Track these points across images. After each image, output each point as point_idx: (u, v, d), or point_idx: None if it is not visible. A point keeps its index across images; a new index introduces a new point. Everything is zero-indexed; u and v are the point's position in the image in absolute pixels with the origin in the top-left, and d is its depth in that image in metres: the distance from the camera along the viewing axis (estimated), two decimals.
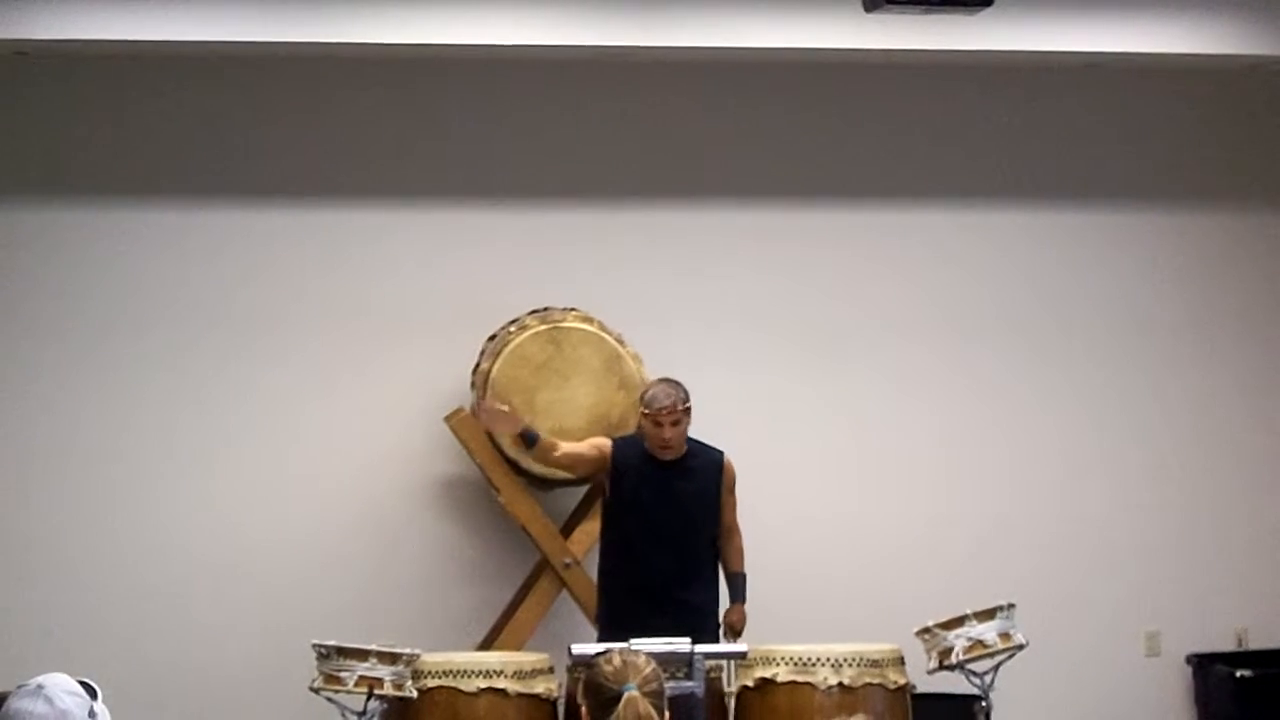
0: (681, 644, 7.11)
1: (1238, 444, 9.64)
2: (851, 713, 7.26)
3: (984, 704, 7.65)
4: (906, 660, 7.72)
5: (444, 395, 8.73)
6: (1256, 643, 9.53)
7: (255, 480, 8.84)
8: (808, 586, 9.04)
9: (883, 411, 9.34)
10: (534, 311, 8.64)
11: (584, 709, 4.12)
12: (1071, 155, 9.56)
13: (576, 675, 7.03)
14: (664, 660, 5.64)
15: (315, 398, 8.91)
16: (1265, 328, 9.68)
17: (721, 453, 7.91)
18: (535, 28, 8.48)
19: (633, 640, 6.74)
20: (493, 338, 8.66)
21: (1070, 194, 9.55)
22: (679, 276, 9.20)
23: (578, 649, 7.11)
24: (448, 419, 8.54)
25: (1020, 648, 7.68)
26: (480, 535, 8.94)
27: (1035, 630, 7.90)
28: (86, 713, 3.81)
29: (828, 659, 7.59)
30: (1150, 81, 9.54)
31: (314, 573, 8.81)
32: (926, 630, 7.69)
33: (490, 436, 8.42)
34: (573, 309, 8.65)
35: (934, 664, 7.70)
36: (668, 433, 7.72)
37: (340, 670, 7.37)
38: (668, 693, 4.17)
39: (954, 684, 7.89)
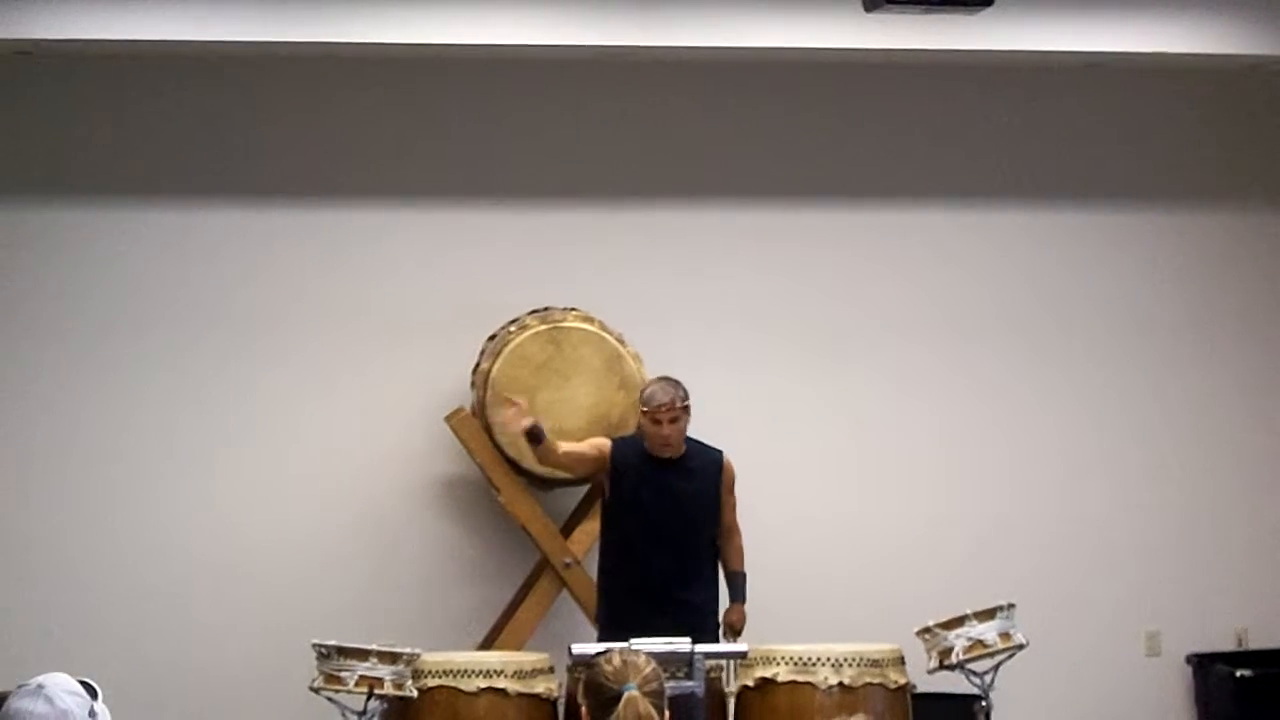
0: (681, 644, 7.10)
1: (1238, 444, 9.64)
2: (852, 712, 7.25)
3: (984, 704, 7.65)
4: (907, 660, 7.72)
5: (444, 395, 8.73)
6: (1256, 643, 9.52)
7: (255, 480, 8.85)
8: (808, 586, 9.04)
9: (883, 411, 9.33)
10: (534, 311, 8.63)
11: (584, 709, 4.12)
12: (1071, 155, 9.56)
13: (576, 675, 7.03)
14: (664, 660, 5.64)
15: (315, 398, 8.91)
16: (1265, 328, 9.68)
17: (721, 452, 7.90)
18: (535, 28, 8.48)
19: (633, 640, 6.75)
20: (493, 338, 8.66)
21: (1070, 194, 9.54)
22: (679, 276, 9.20)
23: (578, 649, 7.11)
24: (448, 419, 8.54)
25: (1020, 648, 7.68)
26: (480, 535, 8.94)
27: (1035, 630, 7.90)
28: (87, 712, 3.81)
29: (828, 659, 7.59)
30: (1150, 81, 9.53)
31: (314, 573, 8.81)
32: (927, 630, 7.69)
33: (490, 436, 8.42)
34: (573, 309, 8.65)
35: (934, 664, 7.70)
36: (667, 430, 7.72)
37: (340, 670, 7.37)
38: (668, 692, 4.16)
39: (954, 684, 7.89)
